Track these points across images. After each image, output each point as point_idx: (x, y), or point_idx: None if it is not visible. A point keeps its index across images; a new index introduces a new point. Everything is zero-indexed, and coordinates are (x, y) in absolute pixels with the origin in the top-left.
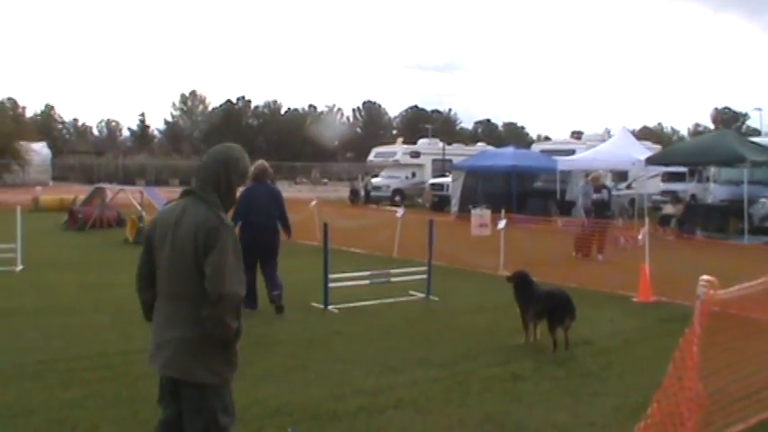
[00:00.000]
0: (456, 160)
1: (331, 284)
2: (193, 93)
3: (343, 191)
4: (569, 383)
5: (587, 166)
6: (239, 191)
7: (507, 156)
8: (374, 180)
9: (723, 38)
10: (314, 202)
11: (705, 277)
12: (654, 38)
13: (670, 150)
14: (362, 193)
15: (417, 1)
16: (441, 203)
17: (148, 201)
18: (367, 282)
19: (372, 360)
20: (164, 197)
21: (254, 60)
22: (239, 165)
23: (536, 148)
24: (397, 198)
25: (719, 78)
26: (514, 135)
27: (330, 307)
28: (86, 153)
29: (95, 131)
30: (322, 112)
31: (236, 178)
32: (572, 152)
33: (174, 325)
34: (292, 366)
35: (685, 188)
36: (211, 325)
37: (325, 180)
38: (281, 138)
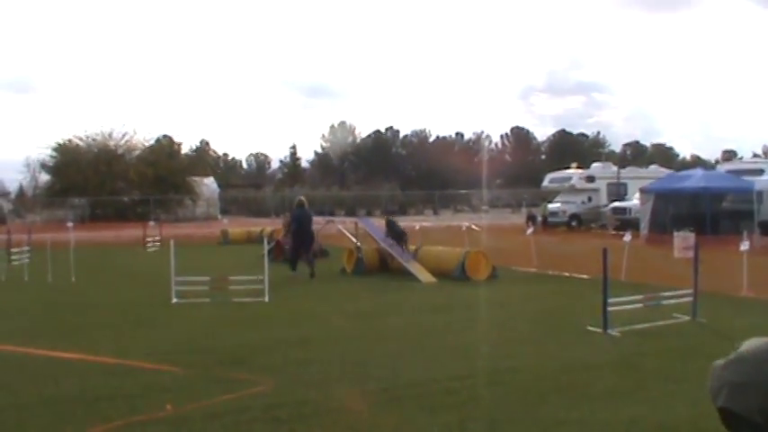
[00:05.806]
0: (630, 184)
1: (610, 308)
2: (342, 123)
3: (506, 217)
4: None
5: None
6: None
7: (697, 177)
8: (550, 206)
9: None
10: (530, 230)
11: None
12: None
13: None
14: (539, 218)
15: (549, 25)
16: (623, 226)
17: (363, 231)
18: (640, 305)
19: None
20: (378, 226)
21: (402, 90)
22: None
23: (721, 168)
24: (574, 223)
25: None
26: (664, 156)
27: (610, 330)
28: (245, 187)
29: (244, 165)
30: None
31: None
32: (761, 172)
33: None
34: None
35: None
36: None
37: (485, 207)
38: (429, 166)
